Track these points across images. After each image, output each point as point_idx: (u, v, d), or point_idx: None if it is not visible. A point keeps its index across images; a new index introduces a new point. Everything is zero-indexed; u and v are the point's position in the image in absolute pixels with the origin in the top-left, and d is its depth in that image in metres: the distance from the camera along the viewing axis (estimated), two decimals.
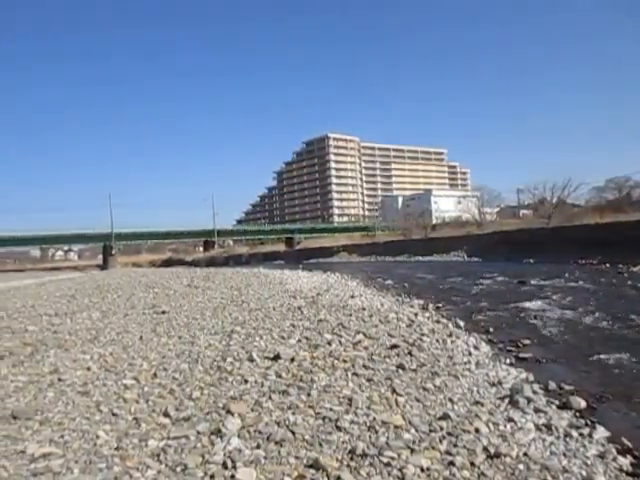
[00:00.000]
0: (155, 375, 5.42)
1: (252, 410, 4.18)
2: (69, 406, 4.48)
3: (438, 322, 9.04)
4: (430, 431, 3.73)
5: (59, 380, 5.35)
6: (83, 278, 34.05)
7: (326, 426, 3.81)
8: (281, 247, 79.47)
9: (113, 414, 4.19)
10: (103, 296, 15.95)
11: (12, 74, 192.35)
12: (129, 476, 3.07)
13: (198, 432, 3.72)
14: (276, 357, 5.95)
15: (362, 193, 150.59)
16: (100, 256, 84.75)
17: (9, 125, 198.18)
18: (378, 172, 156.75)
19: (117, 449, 3.47)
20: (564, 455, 3.49)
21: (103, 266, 74.18)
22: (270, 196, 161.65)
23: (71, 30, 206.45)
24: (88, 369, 5.81)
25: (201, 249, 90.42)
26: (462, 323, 8.93)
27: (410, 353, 6.19)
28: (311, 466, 3.20)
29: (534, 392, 4.82)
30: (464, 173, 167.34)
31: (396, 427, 3.77)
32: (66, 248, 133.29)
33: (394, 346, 6.52)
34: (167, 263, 71.55)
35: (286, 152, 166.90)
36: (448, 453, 3.40)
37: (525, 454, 3.44)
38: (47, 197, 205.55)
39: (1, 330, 9.05)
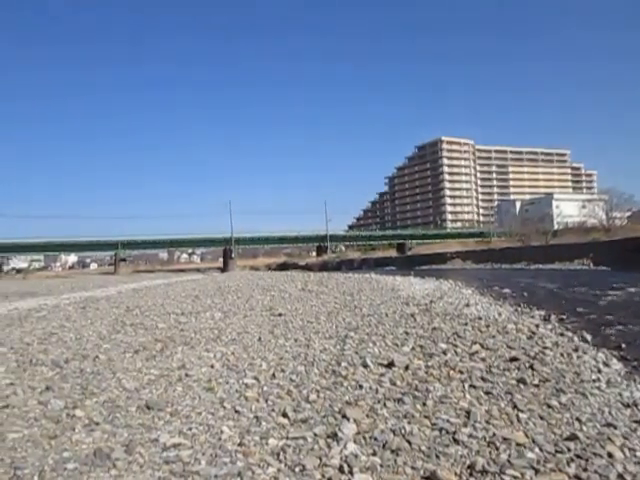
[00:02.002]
0: (274, 376, 5.62)
1: (367, 416, 4.19)
2: (195, 400, 4.78)
3: (562, 335, 8.48)
4: (556, 452, 3.51)
5: (186, 375, 5.72)
6: (205, 280, 36.18)
7: (443, 438, 3.73)
8: (392, 253, 78.87)
9: (236, 411, 4.40)
10: (224, 297, 16.84)
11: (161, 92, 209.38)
12: (251, 472, 3.21)
13: (315, 434, 3.80)
14: (390, 364, 5.92)
15: (477, 197, 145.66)
16: (221, 259, 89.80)
17: (147, 144, 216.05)
18: (494, 175, 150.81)
19: (240, 445, 3.64)
20: None
21: (223, 268, 78.39)
22: (381, 201, 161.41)
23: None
24: (212, 367, 6.16)
25: (314, 254, 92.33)
26: (589, 337, 8.29)
27: (532, 367, 5.87)
28: (428, 478, 3.14)
29: None
30: (589, 175, 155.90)
31: (518, 445, 3.59)
32: (190, 251, 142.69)
33: (514, 359, 6.22)
34: (282, 267, 73.76)
35: (398, 157, 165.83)
36: (577, 477, 3.17)
37: None
38: (174, 205, 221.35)
39: (136, 326, 9.88)
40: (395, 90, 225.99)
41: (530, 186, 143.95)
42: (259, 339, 8.04)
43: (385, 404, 4.50)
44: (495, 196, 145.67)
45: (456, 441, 3.66)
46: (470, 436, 3.74)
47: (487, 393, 4.83)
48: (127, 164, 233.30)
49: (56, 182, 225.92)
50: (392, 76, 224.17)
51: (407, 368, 5.77)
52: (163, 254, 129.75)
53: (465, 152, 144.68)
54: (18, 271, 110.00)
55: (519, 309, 12.43)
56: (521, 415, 4.19)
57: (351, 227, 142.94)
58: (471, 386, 5.05)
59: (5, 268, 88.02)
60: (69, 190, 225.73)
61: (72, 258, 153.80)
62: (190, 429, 3.97)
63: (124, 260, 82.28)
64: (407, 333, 8.19)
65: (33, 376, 5.79)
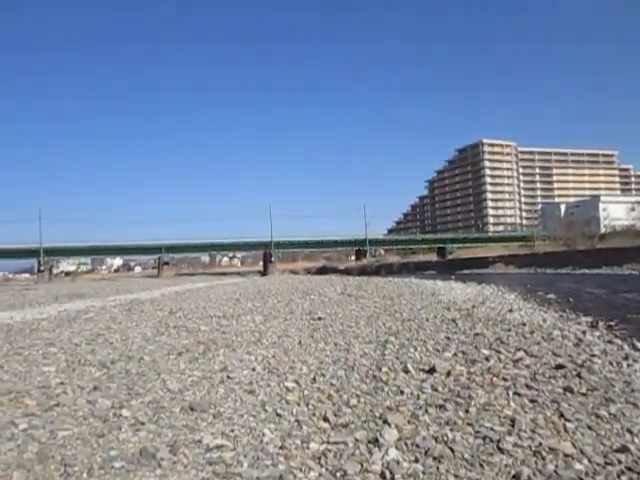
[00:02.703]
0: (314, 380, 5.64)
1: (409, 422, 4.15)
2: (237, 403, 4.83)
3: (610, 342, 8.19)
4: (606, 464, 3.39)
5: (228, 378, 5.80)
6: (246, 283, 36.58)
7: (487, 446, 3.66)
8: (433, 257, 78.04)
9: (277, 414, 4.44)
10: (264, 301, 16.99)
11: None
12: (293, 476, 3.23)
13: (356, 439, 3.79)
14: (431, 370, 5.85)
15: (519, 201, 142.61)
16: (261, 262, 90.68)
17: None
18: (537, 178, 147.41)
19: (281, 448, 3.67)
20: None
21: (263, 272, 79.16)
22: (421, 205, 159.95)
23: None
24: (253, 369, 6.22)
25: (353, 258, 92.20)
26: None
27: (579, 375, 5.70)
28: None
29: None
30: (639, 177, 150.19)
31: (566, 455, 3.49)
32: (231, 255, 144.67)
33: (560, 366, 6.05)
34: (321, 271, 73.92)
35: (438, 160, 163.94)
36: None
37: None
38: (214, 208, 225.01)
39: (179, 328, 10.08)
40: (435, 93, 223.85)
41: (575, 188, 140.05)
42: (299, 343, 8.07)
43: (427, 410, 4.45)
44: (538, 199, 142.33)
45: (500, 450, 3.59)
46: (515, 445, 3.65)
47: (532, 401, 4.71)
48: (170, 170, 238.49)
49: (104, 187, 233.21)
50: (432, 79, 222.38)
51: (449, 374, 5.69)
52: (205, 257, 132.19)
53: (507, 154, 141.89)
54: (67, 274, 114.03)
55: (564, 315, 12.09)
56: (568, 425, 4.07)
57: (391, 231, 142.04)
58: (515, 393, 4.94)
59: (55, 271, 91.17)
60: (116, 195, 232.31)
61: (117, 261, 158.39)
62: (232, 431, 4.02)
63: (167, 263, 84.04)
64: (448, 338, 8.08)
65: (82, 376, 5.98)
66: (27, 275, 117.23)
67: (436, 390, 5.10)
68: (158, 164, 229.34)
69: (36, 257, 77.92)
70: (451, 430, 3.94)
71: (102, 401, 4.79)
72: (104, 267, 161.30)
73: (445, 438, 3.78)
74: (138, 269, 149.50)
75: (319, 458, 3.49)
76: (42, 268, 77.52)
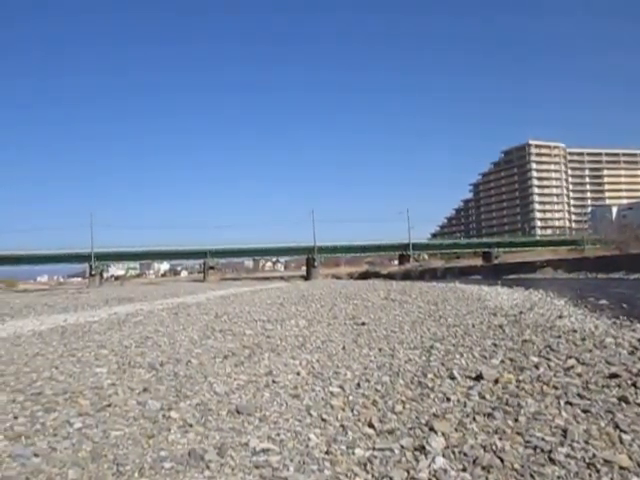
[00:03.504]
0: (358, 385, 5.62)
1: (456, 430, 4.08)
2: (283, 407, 4.87)
3: None
4: None
5: (273, 382, 5.85)
6: (289, 288, 36.82)
7: (537, 457, 3.56)
8: (478, 261, 76.57)
9: (322, 419, 4.44)
10: (308, 305, 17.06)
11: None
12: None
13: (402, 446, 3.75)
14: (478, 377, 5.74)
15: (568, 203, 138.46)
16: (304, 267, 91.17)
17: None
18: (587, 180, 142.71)
19: (327, 453, 3.67)
20: None
21: (306, 277, 79.55)
22: (466, 209, 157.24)
23: None
24: (298, 374, 6.26)
25: (396, 262, 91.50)
26: None
27: (634, 384, 5.47)
28: None
29: None
30: None
31: (622, 468, 3.36)
32: (274, 259, 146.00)
33: (614, 375, 5.82)
34: (364, 275, 73.59)
35: (482, 163, 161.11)
36: None
37: None
38: (258, 213, 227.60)
39: (225, 332, 10.23)
40: (479, 94, 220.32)
41: (628, 190, 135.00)
42: (343, 348, 8.07)
43: (474, 418, 4.37)
44: (588, 201, 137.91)
45: (552, 461, 3.48)
46: (567, 456, 3.54)
47: (585, 411, 4.55)
48: (215, 176, 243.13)
49: (151, 194, 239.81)
50: (476, 78, 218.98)
51: (497, 382, 5.56)
52: (249, 262, 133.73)
53: (555, 156, 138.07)
54: (116, 278, 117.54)
55: (618, 322, 11.63)
56: (624, 436, 3.91)
57: (434, 235, 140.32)
58: (567, 403, 4.79)
59: (105, 275, 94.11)
60: (163, 201, 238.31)
61: (164, 266, 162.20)
62: (278, 435, 4.05)
63: (212, 268, 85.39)
64: (495, 345, 7.91)
65: (132, 377, 6.14)
66: (79, 279, 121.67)
67: (483, 398, 5.00)
68: (203, 171, 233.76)
69: (88, 262, 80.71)
70: (500, 439, 3.86)
71: (152, 402, 4.91)
72: (152, 271, 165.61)
73: (494, 447, 3.70)
74: (184, 273, 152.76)
75: (365, 464, 3.48)
76: (93, 272, 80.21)
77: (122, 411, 4.67)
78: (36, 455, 3.54)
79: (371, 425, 4.25)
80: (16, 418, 4.39)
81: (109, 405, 4.84)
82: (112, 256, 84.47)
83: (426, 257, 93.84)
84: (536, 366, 6.32)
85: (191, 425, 4.28)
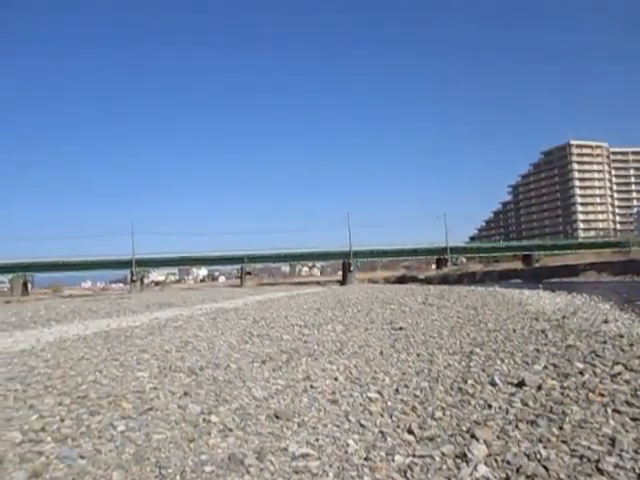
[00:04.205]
0: (397, 391, 5.56)
1: (498, 437, 4.00)
2: (321, 412, 4.86)
3: None
4: None
5: (311, 387, 5.85)
6: (325, 292, 36.79)
7: (584, 466, 3.45)
8: (518, 265, 75.02)
9: (361, 425, 4.42)
10: (344, 310, 17.01)
11: None
12: None
13: (443, 453, 3.70)
14: (520, 383, 5.61)
15: (612, 204, 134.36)
16: (340, 272, 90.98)
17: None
18: (632, 180, 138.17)
19: (366, 459, 3.64)
20: None
21: (342, 281, 79.41)
22: (505, 211, 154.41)
23: None
24: (335, 379, 6.24)
25: (434, 266, 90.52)
26: None
27: None
28: None
29: None
30: None
31: None
32: (310, 264, 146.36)
33: None
34: (401, 280, 73.11)
35: (521, 164, 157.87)
36: None
37: None
38: (294, 219, 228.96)
39: (262, 337, 10.30)
40: (517, 93, 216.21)
41: None
42: (381, 353, 8.01)
43: (517, 426, 4.26)
44: (634, 202, 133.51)
45: (600, 471, 3.37)
46: (616, 466, 3.42)
47: (634, 419, 4.39)
48: (250, 181, 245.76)
49: (187, 201, 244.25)
50: (514, 79, 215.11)
51: (540, 388, 5.43)
52: (285, 267, 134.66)
53: (598, 156, 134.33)
54: (156, 283, 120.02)
55: None
56: None
57: (472, 238, 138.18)
58: (615, 411, 4.63)
59: (146, 281, 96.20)
60: (200, 208, 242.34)
61: (203, 271, 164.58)
62: (317, 440, 4.04)
63: (249, 273, 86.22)
64: (538, 350, 7.72)
65: (172, 381, 6.23)
66: (121, 285, 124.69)
67: (526, 405, 4.88)
68: (239, 177, 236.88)
69: (129, 268, 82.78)
70: (544, 447, 3.75)
71: (192, 406, 4.98)
72: (190, 277, 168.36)
73: (538, 456, 3.61)
74: (222, 279, 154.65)
75: (405, 471, 3.44)
76: (134, 278, 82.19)
77: (164, 415, 4.75)
78: (82, 457, 3.63)
79: (411, 431, 4.20)
80: (63, 420, 4.51)
81: (151, 409, 4.92)
82: (152, 262, 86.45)
83: (464, 261, 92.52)
84: (581, 372, 6.13)
85: (231, 429, 4.32)
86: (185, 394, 5.54)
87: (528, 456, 3.61)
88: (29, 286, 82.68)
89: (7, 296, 66.47)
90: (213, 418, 4.61)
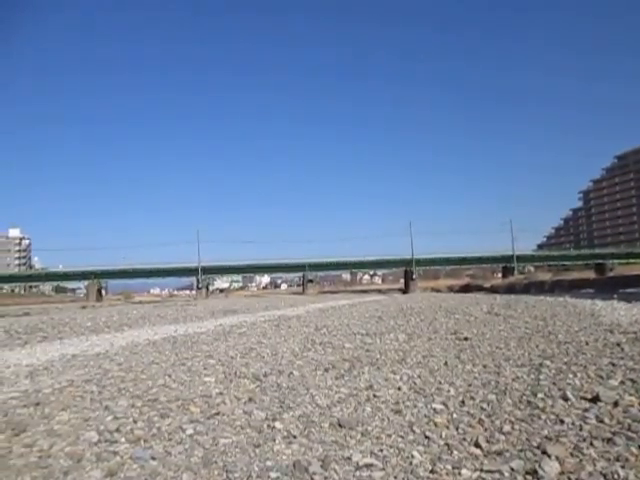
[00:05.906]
0: (463, 403, 5.43)
1: (571, 455, 3.82)
2: (384, 422, 4.81)
3: None
4: None
5: (374, 396, 5.80)
6: (387, 301, 36.52)
7: None
8: (590, 274, 71.72)
9: (425, 436, 4.34)
10: (407, 319, 16.82)
11: None
12: None
13: (512, 469, 3.57)
14: (595, 398, 5.34)
15: None
16: (401, 280, 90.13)
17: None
18: None
19: (432, 472, 3.57)
20: None
21: (404, 290, 78.63)
22: (575, 218, 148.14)
23: None
24: (399, 389, 6.16)
25: (499, 275, 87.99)
26: None
27: None
28: None
29: None
30: None
31: None
32: (372, 272, 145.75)
33: None
34: (465, 288, 71.53)
35: (593, 169, 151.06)
36: None
37: None
38: (355, 227, 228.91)
39: (325, 345, 10.33)
40: (588, 96, 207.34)
41: None
42: (445, 363, 7.85)
43: (592, 443, 4.06)
44: None
45: None
46: None
47: None
48: (313, 191, 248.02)
49: (251, 209, 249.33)
50: (585, 80, 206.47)
51: (616, 404, 5.14)
52: (346, 275, 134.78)
53: None
54: (221, 290, 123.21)
55: None
56: None
57: (541, 246, 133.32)
58: None
59: (211, 288, 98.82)
60: (264, 216, 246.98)
61: (265, 279, 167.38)
62: (381, 450, 4.00)
63: (311, 281, 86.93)
64: (613, 364, 7.33)
65: (237, 387, 6.36)
66: (187, 292, 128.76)
67: (602, 421, 4.64)
68: (302, 185, 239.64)
69: (195, 275, 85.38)
70: (622, 467, 3.55)
71: (257, 412, 5.06)
72: (253, 284, 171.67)
73: (616, 476, 3.42)
74: (284, 286, 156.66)
75: None
76: (200, 285, 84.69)
77: (230, 419, 4.85)
78: (153, 458, 3.76)
79: (478, 445, 4.08)
80: (135, 422, 4.70)
81: (218, 413, 5.04)
82: (217, 269, 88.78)
83: (532, 269, 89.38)
84: None
85: (295, 436, 4.35)
86: (250, 400, 5.64)
87: (605, 476, 3.43)
88: (103, 292, 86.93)
89: (83, 301, 70.18)
90: (277, 424, 4.66)
